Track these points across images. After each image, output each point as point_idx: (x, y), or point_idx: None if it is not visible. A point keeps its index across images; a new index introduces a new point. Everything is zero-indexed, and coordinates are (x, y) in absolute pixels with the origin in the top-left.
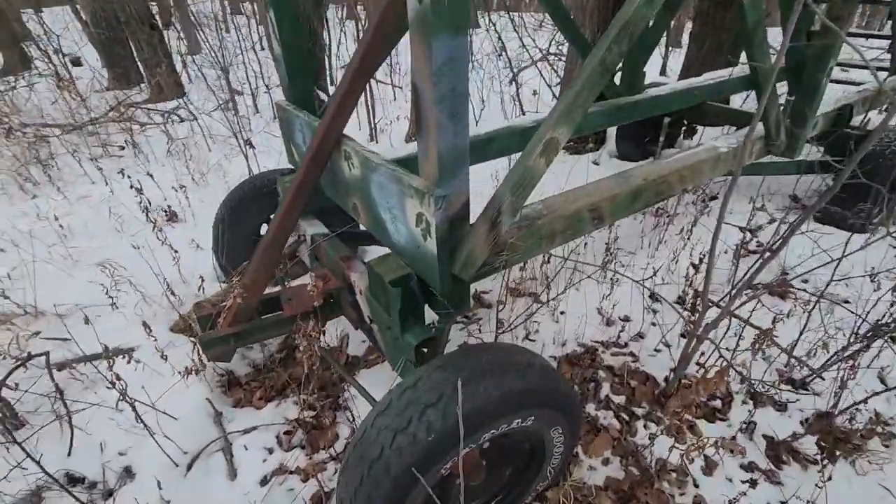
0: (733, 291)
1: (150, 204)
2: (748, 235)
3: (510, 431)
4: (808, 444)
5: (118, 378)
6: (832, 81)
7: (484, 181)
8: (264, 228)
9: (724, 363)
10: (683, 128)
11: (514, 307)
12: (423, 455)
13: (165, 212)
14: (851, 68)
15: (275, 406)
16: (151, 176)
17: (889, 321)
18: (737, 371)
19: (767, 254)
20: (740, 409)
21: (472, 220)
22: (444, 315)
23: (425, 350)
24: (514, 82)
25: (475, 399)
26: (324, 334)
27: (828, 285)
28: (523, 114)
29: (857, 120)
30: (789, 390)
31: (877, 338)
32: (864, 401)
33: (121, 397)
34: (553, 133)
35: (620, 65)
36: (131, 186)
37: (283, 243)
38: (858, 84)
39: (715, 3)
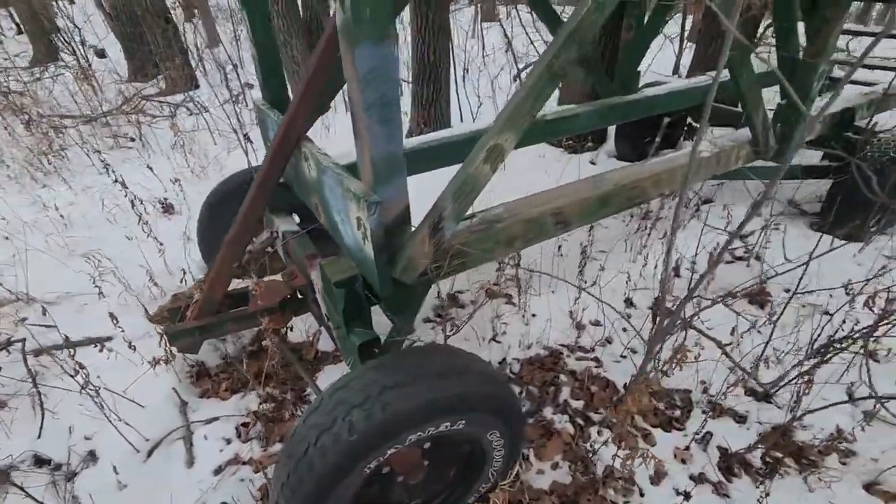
0: (685, 299)
1: (135, 197)
2: (733, 241)
3: (441, 434)
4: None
5: (81, 367)
6: (854, 83)
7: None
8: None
9: (645, 378)
10: (685, 128)
11: (487, 308)
12: (345, 455)
13: (162, 204)
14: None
15: (239, 398)
16: (151, 168)
17: (844, 336)
18: (660, 384)
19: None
20: (701, 418)
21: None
22: (392, 318)
23: (376, 350)
24: (517, 79)
25: (403, 401)
26: (291, 329)
27: (792, 295)
28: None
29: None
30: (726, 411)
31: (829, 353)
32: (801, 417)
33: (82, 386)
34: (497, 140)
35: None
36: (115, 181)
37: (246, 240)
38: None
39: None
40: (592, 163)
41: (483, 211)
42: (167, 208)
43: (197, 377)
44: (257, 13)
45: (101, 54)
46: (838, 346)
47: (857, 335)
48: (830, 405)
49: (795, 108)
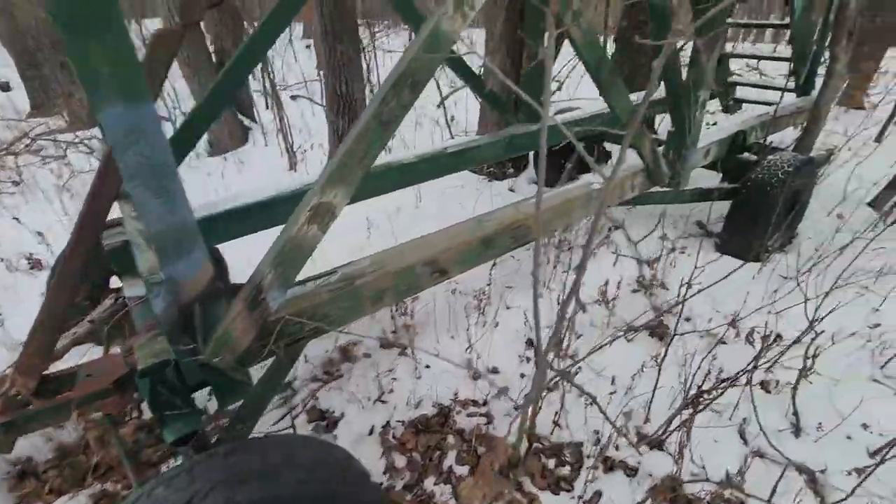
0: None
1: None
2: (644, 268)
3: None
4: None
5: None
6: (755, 103)
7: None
8: (114, 281)
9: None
10: (600, 152)
11: (373, 363)
12: None
13: (28, 259)
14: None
15: (67, 500)
16: (17, 220)
17: (710, 386)
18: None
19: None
20: (592, 474)
21: None
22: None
23: (221, 438)
24: (441, 106)
25: None
26: (140, 412)
27: (673, 336)
28: (451, 138)
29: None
30: (617, 464)
31: (699, 403)
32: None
33: None
34: (322, 198)
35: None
36: None
37: (61, 316)
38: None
39: (633, 25)
40: (512, 190)
41: (345, 265)
42: (34, 264)
43: (19, 477)
44: None
45: (6, 87)
46: (707, 396)
47: (723, 385)
48: (698, 480)
49: (682, 135)
